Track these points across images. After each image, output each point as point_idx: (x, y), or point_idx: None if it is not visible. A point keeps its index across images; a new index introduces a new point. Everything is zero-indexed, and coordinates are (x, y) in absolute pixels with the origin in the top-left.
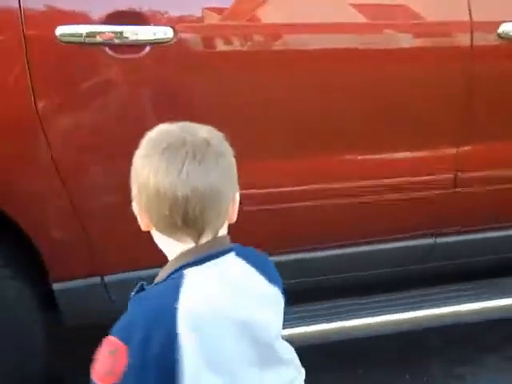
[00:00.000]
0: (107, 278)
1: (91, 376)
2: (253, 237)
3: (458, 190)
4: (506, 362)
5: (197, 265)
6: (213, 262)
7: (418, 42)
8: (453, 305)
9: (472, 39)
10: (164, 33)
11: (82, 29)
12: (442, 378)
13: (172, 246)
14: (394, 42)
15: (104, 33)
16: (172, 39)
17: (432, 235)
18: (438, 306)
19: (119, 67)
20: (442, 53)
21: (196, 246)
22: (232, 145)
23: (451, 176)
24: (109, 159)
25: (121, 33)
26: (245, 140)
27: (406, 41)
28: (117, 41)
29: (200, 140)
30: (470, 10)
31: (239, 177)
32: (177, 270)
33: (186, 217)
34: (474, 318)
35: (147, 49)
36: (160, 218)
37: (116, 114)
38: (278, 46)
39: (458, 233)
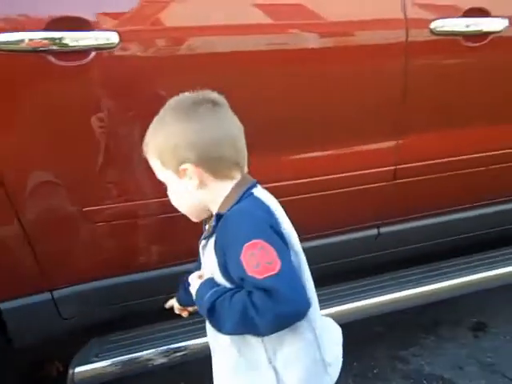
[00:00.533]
0: (57, 293)
1: (256, 278)
2: None
3: (398, 181)
4: (441, 342)
5: (254, 187)
6: (258, 186)
7: (355, 38)
8: (393, 292)
9: (407, 35)
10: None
11: (22, 36)
12: (387, 362)
13: (223, 188)
14: (327, 40)
15: (45, 39)
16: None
17: (375, 226)
18: (381, 294)
19: (62, 74)
20: (378, 49)
21: (244, 178)
22: None
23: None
24: (55, 171)
25: (61, 39)
26: None
27: (342, 37)
28: (58, 47)
29: (214, 95)
30: (404, 8)
31: None
32: (244, 193)
33: (243, 154)
34: (414, 302)
35: (92, 54)
36: (224, 163)
37: (60, 123)
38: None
39: (400, 222)
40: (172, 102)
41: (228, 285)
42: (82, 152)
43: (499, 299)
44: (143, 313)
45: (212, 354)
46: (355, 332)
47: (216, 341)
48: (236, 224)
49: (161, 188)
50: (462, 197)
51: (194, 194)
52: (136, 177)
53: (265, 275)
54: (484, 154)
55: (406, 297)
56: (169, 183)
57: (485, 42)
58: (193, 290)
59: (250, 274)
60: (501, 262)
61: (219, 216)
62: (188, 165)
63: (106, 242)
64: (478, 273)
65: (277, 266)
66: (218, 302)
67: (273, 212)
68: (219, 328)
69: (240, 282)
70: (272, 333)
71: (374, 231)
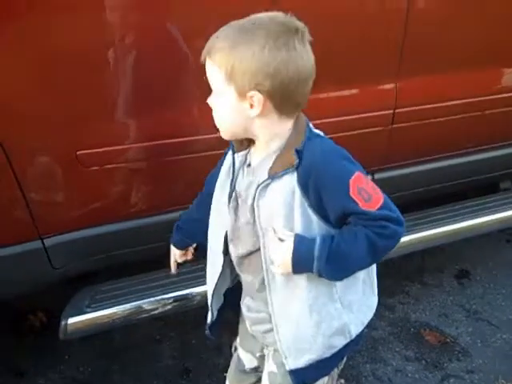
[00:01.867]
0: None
1: (372, 211)
2: None
3: (395, 126)
4: (427, 289)
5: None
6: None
7: None
8: None
9: None
10: None
11: None
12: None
13: (281, 124)
14: None
15: None
16: None
17: (370, 173)
18: None
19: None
20: None
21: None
22: None
23: (390, 112)
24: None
25: None
26: None
27: None
28: None
29: (301, 24)
30: None
31: None
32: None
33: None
34: (401, 251)
35: None
36: (294, 101)
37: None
38: None
39: (394, 168)
40: (265, 19)
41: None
42: (74, 90)
43: (479, 247)
44: (134, 262)
45: (269, 294)
46: None
47: (288, 281)
48: (331, 161)
49: (151, 131)
50: (456, 142)
51: (246, 118)
52: (130, 119)
53: (378, 206)
54: (483, 99)
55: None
56: (221, 96)
57: None
58: (282, 251)
59: (364, 208)
60: (486, 210)
61: (299, 152)
62: (257, 93)
63: (98, 187)
64: (466, 220)
65: (380, 194)
66: (334, 248)
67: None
68: (341, 272)
69: (342, 217)
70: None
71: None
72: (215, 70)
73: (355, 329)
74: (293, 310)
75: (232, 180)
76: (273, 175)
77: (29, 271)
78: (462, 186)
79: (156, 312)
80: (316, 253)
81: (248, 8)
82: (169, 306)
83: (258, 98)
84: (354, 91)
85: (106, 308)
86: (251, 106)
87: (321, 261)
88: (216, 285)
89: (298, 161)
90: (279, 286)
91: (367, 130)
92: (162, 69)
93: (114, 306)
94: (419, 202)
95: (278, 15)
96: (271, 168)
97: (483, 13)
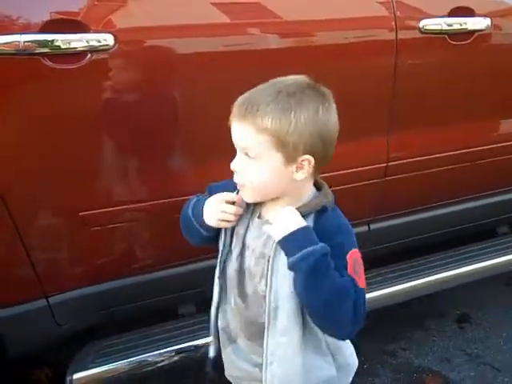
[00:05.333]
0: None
1: (357, 283)
2: None
3: (388, 178)
4: (428, 334)
5: None
6: None
7: (347, 37)
8: (382, 289)
9: (396, 33)
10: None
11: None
12: (376, 357)
13: (308, 185)
14: (321, 38)
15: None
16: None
17: (366, 223)
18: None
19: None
20: (369, 46)
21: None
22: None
23: (383, 166)
24: (51, 176)
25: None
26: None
27: (336, 36)
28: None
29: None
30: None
31: None
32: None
33: None
34: (402, 298)
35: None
36: (325, 162)
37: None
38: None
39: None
40: (310, 83)
41: None
42: (78, 155)
43: (479, 291)
44: (135, 317)
45: (265, 341)
46: None
47: (278, 320)
48: (347, 228)
49: (146, 192)
50: (449, 192)
51: (288, 181)
52: (133, 180)
53: (360, 285)
54: (471, 150)
55: (393, 293)
56: (260, 161)
57: (469, 40)
58: (292, 218)
59: (350, 273)
60: (484, 255)
61: (321, 211)
62: (309, 157)
63: (101, 246)
64: (465, 266)
65: (364, 283)
66: (326, 262)
67: None
68: (310, 284)
69: None
70: (347, 334)
71: (365, 228)
72: (259, 135)
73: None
74: (285, 356)
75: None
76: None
77: (33, 329)
78: (459, 233)
79: (161, 365)
80: (321, 244)
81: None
82: (173, 359)
83: (309, 161)
84: (348, 147)
85: (110, 363)
86: (298, 168)
87: (318, 251)
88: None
89: (321, 208)
90: (279, 331)
91: (361, 183)
92: (163, 130)
93: (119, 360)
94: (416, 249)
95: (303, 78)
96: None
97: (471, 67)
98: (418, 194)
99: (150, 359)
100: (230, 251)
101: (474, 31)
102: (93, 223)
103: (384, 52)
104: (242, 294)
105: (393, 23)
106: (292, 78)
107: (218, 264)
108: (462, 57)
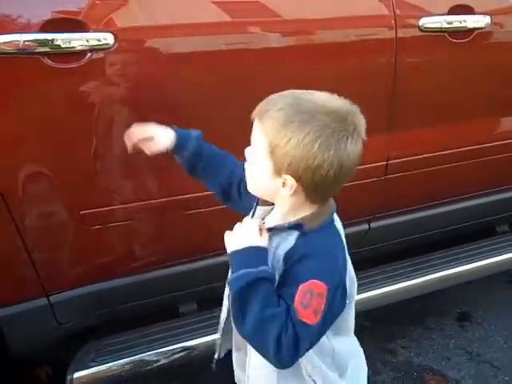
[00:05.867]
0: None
1: (299, 316)
2: None
3: (388, 177)
4: (428, 333)
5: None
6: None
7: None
8: (382, 287)
9: (396, 32)
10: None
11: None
12: (377, 355)
13: (307, 208)
14: (320, 37)
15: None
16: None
17: (366, 221)
18: (370, 289)
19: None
20: (369, 44)
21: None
22: None
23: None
24: (52, 174)
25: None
26: None
27: (336, 35)
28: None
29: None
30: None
31: None
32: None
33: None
34: (403, 296)
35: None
36: (325, 194)
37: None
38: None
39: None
40: (328, 106)
41: None
42: (79, 154)
43: (479, 289)
44: (136, 316)
45: (247, 358)
46: None
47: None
48: (317, 259)
49: (154, 190)
50: (450, 190)
51: (276, 191)
52: (132, 179)
53: (303, 318)
54: (472, 148)
55: (394, 291)
56: (259, 161)
57: (469, 38)
58: (248, 230)
59: (295, 305)
60: (485, 254)
61: (303, 232)
62: (291, 179)
63: (102, 245)
64: (465, 264)
65: (316, 320)
66: (265, 285)
67: (346, 254)
68: (241, 304)
69: (278, 293)
70: (275, 364)
71: (365, 226)
72: (261, 136)
73: None
74: (263, 377)
75: None
76: (276, 228)
77: (34, 327)
78: (460, 231)
79: (161, 364)
80: (262, 268)
81: None
82: (174, 358)
83: (291, 183)
84: None
85: (111, 362)
86: (283, 184)
87: (252, 275)
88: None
89: (297, 237)
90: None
91: (362, 182)
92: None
93: (119, 359)
94: (416, 247)
95: (338, 104)
96: (275, 226)
97: (471, 65)
98: (418, 192)
99: (150, 358)
100: None
101: (473, 29)
102: (93, 222)
103: (384, 50)
104: None
105: (392, 21)
106: (324, 98)
107: None
108: (462, 55)
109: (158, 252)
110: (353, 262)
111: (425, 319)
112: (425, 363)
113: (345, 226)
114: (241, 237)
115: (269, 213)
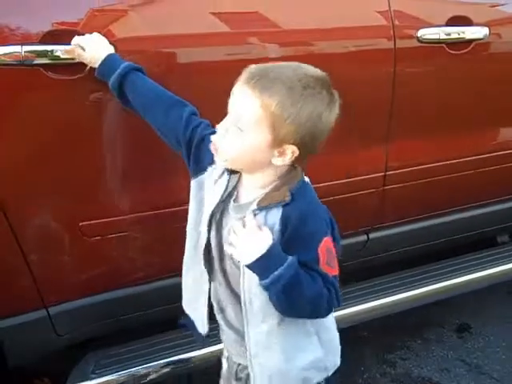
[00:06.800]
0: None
1: (331, 275)
2: None
3: (387, 187)
4: (427, 344)
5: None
6: None
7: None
8: (381, 298)
9: (395, 43)
10: None
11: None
12: (376, 366)
13: (289, 171)
14: (319, 48)
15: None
16: None
17: (365, 232)
18: (369, 300)
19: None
20: (368, 56)
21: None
22: None
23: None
24: (53, 187)
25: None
26: None
27: (335, 45)
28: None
29: None
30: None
31: None
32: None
33: None
34: (402, 307)
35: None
36: (309, 157)
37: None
38: None
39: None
40: (327, 83)
41: None
42: (78, 165)
43: (479, 300)
44: (136, 327)
45: (246, 327)
46: (341, 338)
47: (253, 308)
48: (317, 215)
49: (146, 202)
50: (449, 201)
51: (265, 161)
52: (133, 190)
53: (333, 274)
54: (471, 158)
55: (393, 302)
56: (248, 133)
57: (468, 49)
58: (255, 238)
59: (322, 267)
60: (485, 264)
61: (291, 192)
62: (295, 148)
63: (101, 256)
64: (464, 275)
65: (336, 270)
66: (297, 273)
67: None
68: (288, 299)
69: (300, 264)
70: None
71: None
72: (256, 107)
73: (331, 365)
74: (269, 342)
75: (220, 203)
76: (262, 207)
77: (33, 339)
78: (459, 242)
79: (161, 375)
80: (288, 262)
81: None
82: (174, 369)
83: (293, 151)
84: (347, 156)
85: (110, 373)
86: (279, 154)
87: (286, 273)
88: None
89: (289, 198)
90: (257, 319)
91: (360, 193)
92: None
93: (119, 370)
94: (415, 258)
95: (324, 76)
96: (261, 200)
97: (469, 76)
98: (417, 203)
99: (150, 370)
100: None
101: (472, 40)
102: (92, 233)
103: (383, 61)
104: (223, 270)
105: (391, 32)
106: (314, 71)
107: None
108: (461, 66)
109: (157, 263)
110: (352, 273)
111: (424, 330)
112: (424, 374)
113: (344, 237)
114: (250, 247)
115: (238, 182)
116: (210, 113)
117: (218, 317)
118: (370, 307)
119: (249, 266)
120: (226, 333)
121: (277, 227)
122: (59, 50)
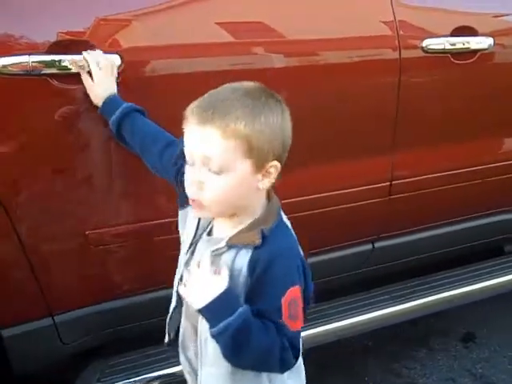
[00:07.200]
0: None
1: (291, 329)
2: None
3: (392, 197)
4: (433, 354)
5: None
6: None
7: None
8: (386, 307)
9: (400, 53)
10: None
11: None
12: (381, 376)
13: (263, 196)
14: (324, 58)
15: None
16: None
17: (370, 242)
18: (373, 310)
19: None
20: (373, 66)
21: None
22: None
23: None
24: (58, 195)
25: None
26: None
27: (340, 56)
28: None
29: None
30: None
31: None
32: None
33: None
34: (407, 317)
35: None
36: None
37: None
38: None
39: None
40: (267, 89)
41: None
42: (84, 174)
43: (484, 309)
44: (141, 336)
45: (200, 367)
46: (346, 347)
47: (207, 350)
48: (287, 260)
49: (151, 211)
50: (454, 210)
51: (253, 191)
52: (138, 199)
53: (295, 329)
54: (476, 168)
55: (399, 311)
56: (228, 172)
57: (473, 59)
58: (209, 282)
59: (284, 320)
60: (491, 274)
61: (263, 234)
62: (276, 162)
63: (107, 265)
64: (470, 285)
65: (301, 323)
66: (248, 321)
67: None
68: (235, 350)
69: (258, 312)
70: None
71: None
72: (223, 140)
73: None
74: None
75: (193, 240)
76: (230, 245)
77: (39, 347)
78: (465, 251)
79: None
80: (239, 312)
81: None
82: (179, 378)
83: (276, 167)
84: (352, 165)
85: (116, 382)
86: (263, 176)
87: (234, 323)
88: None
89: (260, 242)
90: (209, 361)
91: (366, 202)
92: None
93: (124, 379)
94: (421, 267)
95: (259, 85)
96: (231, 238)
97: (474, 86)
98: (423, 212)
99: (155, 378)
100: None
101: (476, 50)
102: (99, 242)
103: (387, 71)
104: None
105: (396, 42)
106: (249, 84)
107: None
108: (466, 76)
109: (163, 272)
110: (357, 282)
111: (429, 340)
112: None
113: (349, 246)
114: (202, 291)
115: (212, 220)
116: None
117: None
118: (374, 316)
119: (199, 311)
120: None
121: (244, 271)
122: (66, 60)
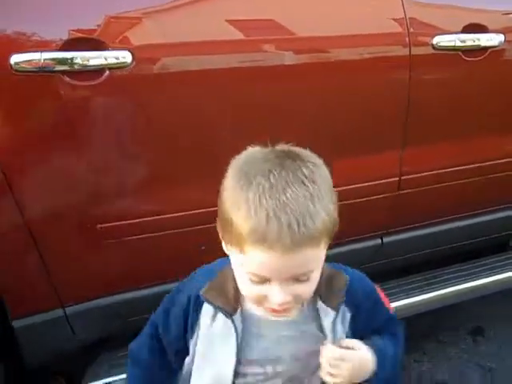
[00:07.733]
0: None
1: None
2: None
3: (401, 192)
4: (442, 347)
5: None
6: None
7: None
8: (396, 301)
9: (410, 50)
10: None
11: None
12: None
13: None
14: (334, 55)
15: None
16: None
17: (379, 236)
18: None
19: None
20: (384, 63)
21: None
22: None
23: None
24: (70, 191)
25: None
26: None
27: (350, 53)
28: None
29: None
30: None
31: None
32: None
33: None
34: (416, 310)
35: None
36: None
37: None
38: None
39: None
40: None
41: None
42: (96, 170)
43: (494, 304)
44: None
45: None
46: None
47: None
48: (363, 278)
49: (163, 205)
50: (463, 206)
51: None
52: (152, 192)
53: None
54: (485, 164)
55: (407, 305)
56: (318, 266)
57: (483, 56)
58: (357, 360)
59: (390, 311)
60: (498, 269)
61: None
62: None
63: (118, 258)
64: (479, 279)
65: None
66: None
67: None
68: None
69: (376, 328)
70: None
71: (378, 241)
72: (317, 252)
73: None
74: None
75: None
76: (335, 307)
77: (50, 339)
78: (473, 246)
79: None
80: (389, 355)
81: None
82: None
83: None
84: (362, 160)
85: (125, 373)
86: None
87: (383, 372)
88: None
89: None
90: None
91: (375, 197)
92: (180, 144)
93: None
94: (429, 262)
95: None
96: (327, 302)
97: (485, 83)
98: (432, 207)
99: None
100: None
101: (487, 47)
102: (110, 235)
103: (398, 68)
104: None
105: (407, 39)
106: (287, 161)
107: None
108: (476, 73)
109: (174, 265)
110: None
111: (438, 333)
112: (438, 378)
113: (358, 241)
114: (354, 369)
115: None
116: (227, 118)
117: None
118: None
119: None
120: None
121: (347, 314)
122: (78, 57)
